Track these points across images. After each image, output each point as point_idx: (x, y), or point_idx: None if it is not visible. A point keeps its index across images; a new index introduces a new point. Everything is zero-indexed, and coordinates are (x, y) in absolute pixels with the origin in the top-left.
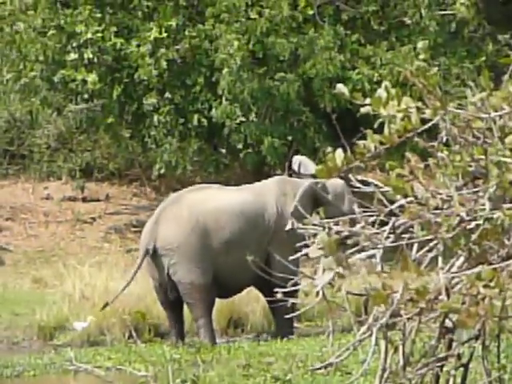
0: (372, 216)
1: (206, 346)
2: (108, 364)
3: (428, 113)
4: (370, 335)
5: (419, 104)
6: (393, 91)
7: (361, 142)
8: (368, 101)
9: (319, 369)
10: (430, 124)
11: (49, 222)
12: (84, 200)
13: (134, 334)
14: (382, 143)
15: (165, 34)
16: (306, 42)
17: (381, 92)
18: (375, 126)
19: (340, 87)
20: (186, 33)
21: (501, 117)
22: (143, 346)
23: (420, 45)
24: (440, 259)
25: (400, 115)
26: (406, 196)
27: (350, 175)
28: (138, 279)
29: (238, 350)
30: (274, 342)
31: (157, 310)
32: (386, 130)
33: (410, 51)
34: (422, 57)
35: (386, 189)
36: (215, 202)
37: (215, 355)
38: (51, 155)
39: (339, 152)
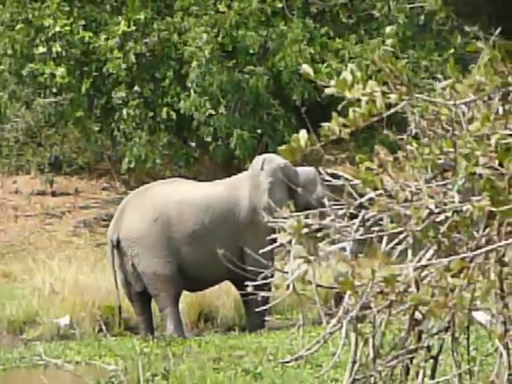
0: (342, 209)
1: (176, 339)
2: (78, 358)
3: (393, 97)
4: (340, 328)
5: (384, 88)
6: (358, 74)
7: (325, 125)
8: (333, 83)
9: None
10: (395, 109)
11: (18, 216)
12: (53, 194)
13: (103, 328)
14: (346, 126)
15: (133, 28)
16: (276, 34)
17: (346, 74)
18: (339, 108)
19: (305, 67)
20: (155, 26)
21: (469, 108)
22: (113, 339)
23: (388, 30)
24: (409, 252)
25: (365, 99)
26: (375, 189)
27: (320, 168)
28: (107, 273)
29: (209, 343)
30: (244, 336)
31: (127, 303)
32: (350, 114)
33: (379, 44)
34: (388, 42)
35: (356, 182)
36: (180, 195)
37: (185, 349)
38: (20, 149)
39: (303, 133)
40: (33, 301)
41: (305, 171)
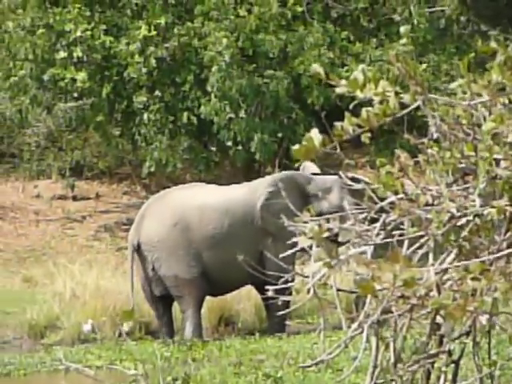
0: (362, 213)
1: (196, 343)
2: (98, 363)
3: (407, 98)
4: (361, 332)
5: (398, 89)
6: (370, 74)
7: (338, 124)
8: (343, 82)
9: (310, 366)
10: (409, 109)
11: (39, 220)
12: (74, 198)
13: (123, 333)
14: (359, 126)
15: (154, 32)
16: (296, 39)
17: (357, 74)
18: (351, 107)
19: (315, 67)
20: (175, 31)
21: (488, 110)
22: (134, 344)
23: (402, 30)
24: (430, 256)
25: (377, 98)
26: (396, 193)
27: (341, 172)
28: (128, 277)
29: (229, 348)
30: (265, 340)
31: (147, 307)
32: (363, 113)
33: (400, 49)
34: (403, 41)
35: (377, 186)
36: (200, 199)
37: (206, 353)
38: (41, 154)
39: (315, 132)
40: (54, 305)
41: (322, 179)
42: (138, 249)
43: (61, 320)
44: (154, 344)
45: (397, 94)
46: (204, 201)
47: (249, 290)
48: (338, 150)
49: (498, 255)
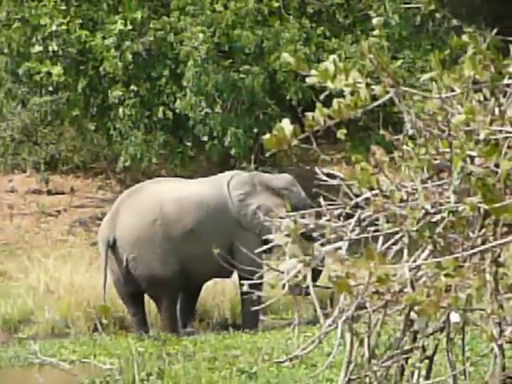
0: (338, 209)
1: (171, 338)
2: (73, 357)
3: (378, 90)
4: (336, 328)
5: (369, 81)
6: (341, 65)
7: (309, 114)
8: (314, 73)
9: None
10: (379, 101)
11: (13, 214)
12: (49, 193)
13: (99, 327)
14: (330, 117)
15: (130, 27)
16: (272, 34)
17: (328, 65)
18: (321, 98)
19: (285, 56)
20: (151, 25)
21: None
22: (108, 338)
23: (375, 21)
24: (405, 252)
25: (348, 90)
26: (371, 189)
27: (316, 168)
28: (101, 272)
29: (204, 343)
30: (239, 335)
31: (121, 302)
32: (334, 104)
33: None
34: (375, 33)
35: (352, 182)
36: (176, 193)
37: (181, 348)
38: (16, 148)
39: (286, 123)
40: (28, 299)
41: (282, 176)
42: (113, 245)
43: (35, 314)
44: (128, 339)
45: (368, 85)
46: (180, 194)
47: (224, 285)
48: (314, 146)
49: (472, 252)
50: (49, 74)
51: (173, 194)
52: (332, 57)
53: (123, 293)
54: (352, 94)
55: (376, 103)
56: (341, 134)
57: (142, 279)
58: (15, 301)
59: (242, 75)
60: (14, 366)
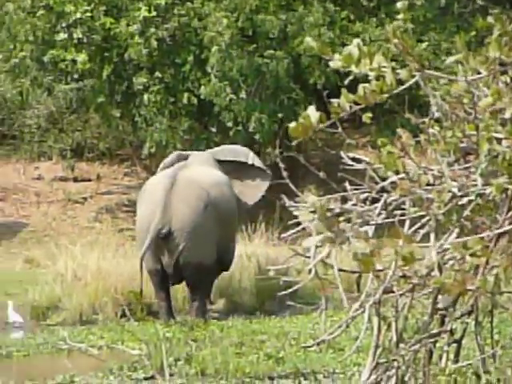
0: (364, 193)
1: (198, 324)
2: (101, 343)
3: (403, 74)
4: (363, 312)
5: (393, 64)
6: (365, 49)
7: (335, 101)
8: (337, 57)
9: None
10: (405, 86)
11: (40, 202)
12: (75, 180)
13: (127, 313)
14: (356, 103)
15: (154, 13)
16: (296, 18)
17: (352, 49)
18: (346, 83)
19: (308, 40)
20: (175, 11)
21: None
22: (136, 324)
23: (399, 5)
24: (432, 235)
25: (373, 74)
26: (397, 173)
27: (342, 152)
28: (129, 258)
29: (231, 328)
30: (266, 320)
31: (149, 289)
32: (360, 90)
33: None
34: (400, 16)
35: (378, 166)
36: (213, 177)
37: (208, 334)
38: (42, 135)
39: (312, 109)
40: (55, 286)
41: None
42: (166, 236)
43: (62, 301)
44: (156, 324)
45: (393, 70)
46: (216, 179)
47: (250, 271)
48: (339, 130)
49: (498, 231)
50: (74, 61)
51: (211, 179)
52: (356, 41)
53: (161, 281)
54: (377, 78)
55: (402, 88)
56: (366, 117)
57: (191, 266)
58: (43, 288)
59: (266, 60)
60: (42, 353)
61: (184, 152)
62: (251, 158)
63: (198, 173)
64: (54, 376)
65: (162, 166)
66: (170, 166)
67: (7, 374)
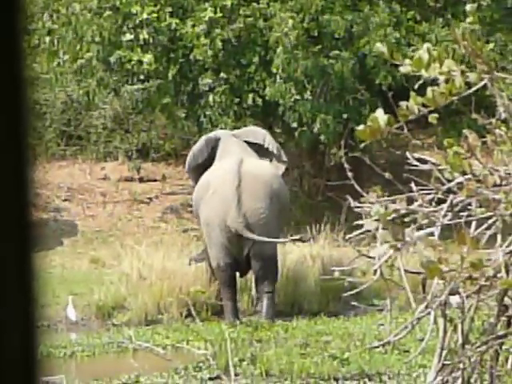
0: (429, 194)
1: (263, 324)
2: (166, 342)
3: (472, 77)
4: (429, 313)
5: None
6: (434, 53)
7: (403, 103)
8: (408, 62)
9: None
10: (474, 88)
11: (106, 202)
12: (141, 180)
13: (193, 313)
14: (425, 106)
15: (220, 14)
16: (361, 19)
17: (422, 53)
18: (416, 87)
19: (378, 46)
20: (241, 12)
21: None
22: (201, 324)
23: (468, 8)
24: (499, 236)
25: (442, 78)
26: (463, 173)
27: (407, 153)
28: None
29: (296, 329)
30: (331, 321)
31: (214, 288)
32: (429, 93)
33: (466, 28)
34: (469, 20)
35: (444, 166)
36: (269, 170)
37: (273, 334)
38: (108, 136)
39: (380, 112)
40: (121, 286)
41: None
42: (242, 230)
43: (128, 301)
44: (220, 324)
45: (462, 73)
46: (272, 171)
47: (315, 271)
48: (405, 131)
49: None
50: (140, 62)
51: (270, 172)
52: (426, 45)
53: (231, 277)
54: (446, 81)
55: (470, 90)
56: (432, 118)
57: (264, 259)
58: (108, 288)
59: (331, 61)
60: (108, 352)
61: (211, 135)
62: (267, 142)
63: (256, 166)
64: (119, 375)
65: (192, 155)
66: (202, 153)
67: (72, 374)
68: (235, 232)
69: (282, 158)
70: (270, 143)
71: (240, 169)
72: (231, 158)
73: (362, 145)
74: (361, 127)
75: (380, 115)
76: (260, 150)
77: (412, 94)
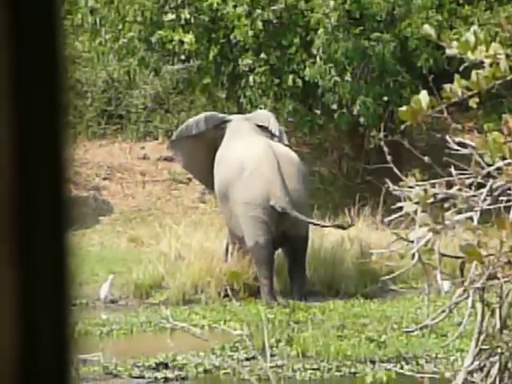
0: (469, 178)
1: (300, 306)
2: (203, 322)
3: None
4: (467, 298)
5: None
6: (481, 36)
7: (447, 86)
8: (455, 44)
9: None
10: None
11: (145, 181)
12: None
13: (229, 293)
14: (468, 89)
15: None
16: (403, 1)
17: (469, 36)
18: (460, 70)
19: (426, 28)
20: None
21: None
22: (238, 305)
23: None
24: None
25: (488, 61)
26: (503, 158)
27: (447, 136)
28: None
29: (332, 311)
30: (368, 304)
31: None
32: (473, 76)
33: (509, 11)
34: None
35: (484, 151)
36: (292, 153)
37: (309, 316)
38: (148, 115)
39: (424, 94)
40: (159, 265)
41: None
42: (289, 209)
43: (165, 280)
44: (257, 305)
45: (507, 56)
46: (293, 154)
47: (351, 254)
48: (445, 114)
49: None
50: (181, 42)
51: (295, 155)
52: (473, 28)
53: (270, 256)
54: (491, 65)
55: None
56: (473, 102)
57: (300, 238)
58: (146, 267)
59: (372, 43)
60: (145, 331)
61: (215, 115)
62: (272, 124)
63: (284, 148)
64: (156, 354)
65: (184, 127)
66: (198, 127)
67: (109, 352)
68: (281, 211)
69: (284, 141)
70: (273, 126)
71: (273, 151)
72: (256, 141)
73: (402, 126)
74: (403, 108)
75: (423, 97)
76: (263, 132)
77: (456, 76)
